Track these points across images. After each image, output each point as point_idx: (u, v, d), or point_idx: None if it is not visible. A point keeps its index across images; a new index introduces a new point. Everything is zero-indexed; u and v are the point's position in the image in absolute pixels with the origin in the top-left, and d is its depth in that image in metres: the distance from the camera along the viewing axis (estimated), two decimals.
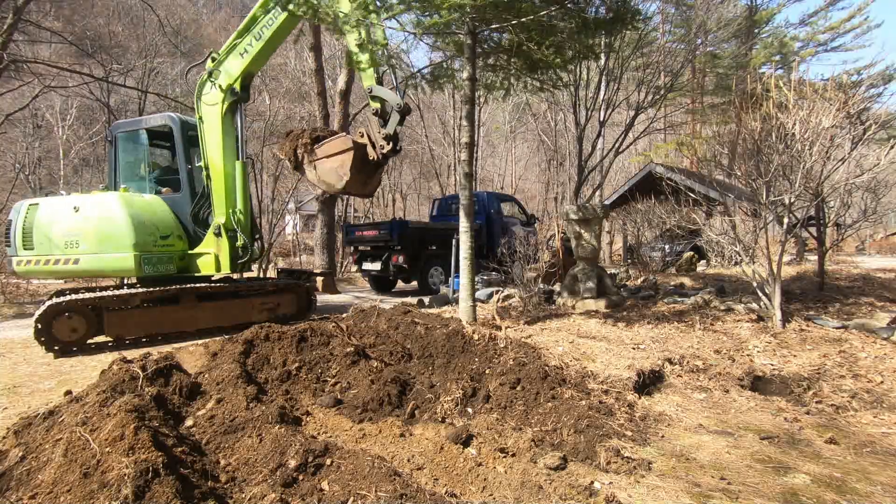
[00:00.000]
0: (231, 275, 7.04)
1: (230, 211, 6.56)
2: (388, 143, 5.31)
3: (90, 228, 6.02)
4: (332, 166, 5.41)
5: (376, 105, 5.42)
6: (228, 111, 6.59)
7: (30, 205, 6.32)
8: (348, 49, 5.76)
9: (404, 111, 5.33)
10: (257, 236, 7.37)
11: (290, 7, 5.65)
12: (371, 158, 5.40)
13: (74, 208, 6.11)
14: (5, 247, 6.49)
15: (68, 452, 2.25)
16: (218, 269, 6.60)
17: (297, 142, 5.59)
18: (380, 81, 5.49)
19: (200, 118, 6.60)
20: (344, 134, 5.86)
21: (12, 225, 6.23)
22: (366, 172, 5.55)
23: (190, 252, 6.68)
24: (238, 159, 6.73)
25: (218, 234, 6.52)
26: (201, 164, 6.62)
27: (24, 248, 6.16)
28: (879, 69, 22.29)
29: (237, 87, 6.51)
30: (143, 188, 6.96)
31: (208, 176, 6.57)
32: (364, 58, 5.44)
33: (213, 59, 6.54)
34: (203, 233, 6.73)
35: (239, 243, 6.54)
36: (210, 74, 6.50)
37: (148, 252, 6.13)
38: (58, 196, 6.77)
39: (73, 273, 6.48)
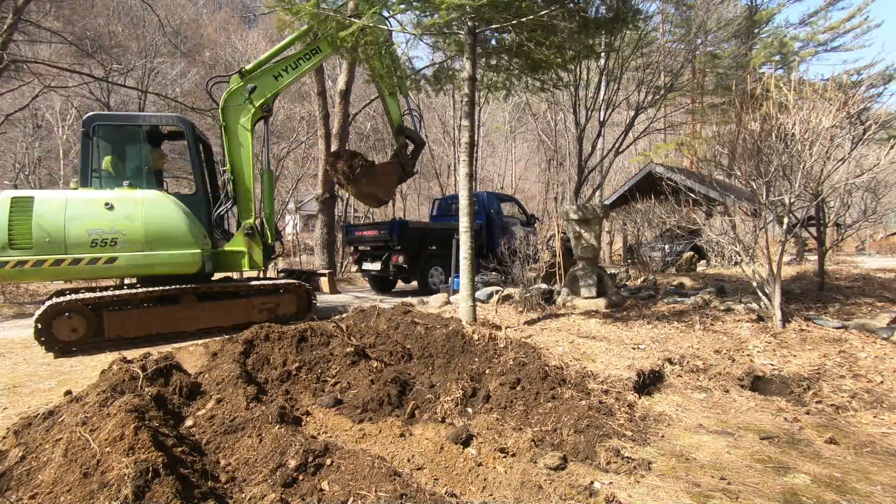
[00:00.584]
0: (230, 274, 7.12)
1: (264, 214, 7.19)
2: (414, 170, 8.34)
3: (136, 226, 5.95)
4: (386, 182, 7.88)
5: (402, 139, 8.13)
6: (254, 123, 7.12)
7: (14, 198, 5.63)
8: (381, 96, 7.96)
9: (422, 146, 8.41)
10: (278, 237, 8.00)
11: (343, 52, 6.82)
12: (399, 178, 8.20)
13: (107, 205, 5.89)
14: None
15: (68, 452, 2.25)
16: (251, 267, 7.04)
17: (352, 161, 7.54)
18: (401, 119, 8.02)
19: (226, 127, 6.86)
20: (393, 161, 8.26)
21: None
22: (392, 187, 8.35)
23: (225, 250, 6.94)
24: (267, 169, 7.34)
25: (250, 235, 6.92)
26: (226, 168, 6.96)
27: (13, 248, 5.51)
28: (879, 69, 22.29)
29: (268, 104, 7.13)
30: (141, 186, 6.89)
31: (233, 181, 6.92)
32: (393, 106, 7.93)
33: (241, 74, 6.90)
34: (216, 233, 6.99)
35: (270, 242, 7.16)
36: (251, 92, 6.87)
37: (203, 250, 6.37)
38: (43, 190, 6.48)
39: (104, 273, 6.14)
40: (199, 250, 6.25)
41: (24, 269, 5.54)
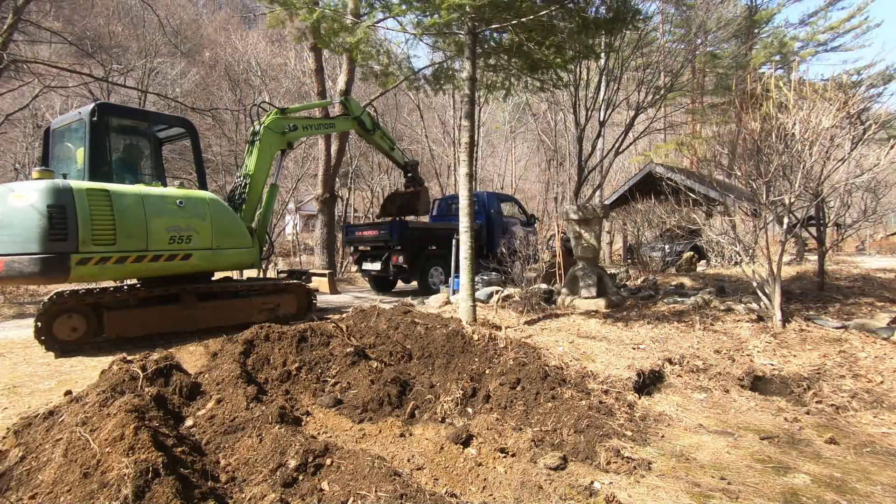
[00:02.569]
0: (230, 274, 7.16)
1: (260, 220, 7.59)
2: (421, 185, 11.03)
3: (206, 224, 6.25)
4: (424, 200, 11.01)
5: (408, 175, 10.80)
6: (278, 150, 7.97)
7: (90, 189, 5.21)
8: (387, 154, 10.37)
9: (415, 166, 10.94)
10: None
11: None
12: (418, 191, 10.94)
13: (178, 203, 6.00)
14: (52, 241, 4.91)
15: (68, 452, 2.25)
16: (250, 266, 7.43)
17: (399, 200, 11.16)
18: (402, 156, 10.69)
19: (258, 143, 7.44)
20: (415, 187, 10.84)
21: (67, 212, 4.96)
22: (417, 197, 10.97)
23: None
24: (274, 182, 8.07)
25: (252, 236, 7.20)
26: (246, 171, 7.48)
27: (96, 244, 5.15)
28: (879, 69, 22.31)
29: (293, 141, 8.15)
30: (131, 182, 6.81)
31: (249, 186, 7.36)
32: (398, 156, 10.46)
33: (282, 111, 7.88)
34: None
35: (265, 246, 7.75)
36: (290, 129, 7.83)
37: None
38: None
39: (178, 270, 6.11)
40: (256, 247, 6.87)
41: (105, 265, 5.32)
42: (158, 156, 7.11)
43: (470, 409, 3.54)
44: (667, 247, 12.23)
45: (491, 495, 2.48)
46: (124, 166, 6.52)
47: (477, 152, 22.19)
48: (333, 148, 13.16)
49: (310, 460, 2.44)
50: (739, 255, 5.98)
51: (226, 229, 6.48)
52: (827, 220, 7.24)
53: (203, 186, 6.94)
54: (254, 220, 7.44)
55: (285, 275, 8.43)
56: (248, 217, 7.31)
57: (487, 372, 4.02)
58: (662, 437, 3.19)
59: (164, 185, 6.82)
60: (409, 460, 2.80)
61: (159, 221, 5.74)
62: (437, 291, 9.89)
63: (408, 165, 10.73)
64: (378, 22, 5.96)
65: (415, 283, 11.14)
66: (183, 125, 6.97)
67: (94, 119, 5.80)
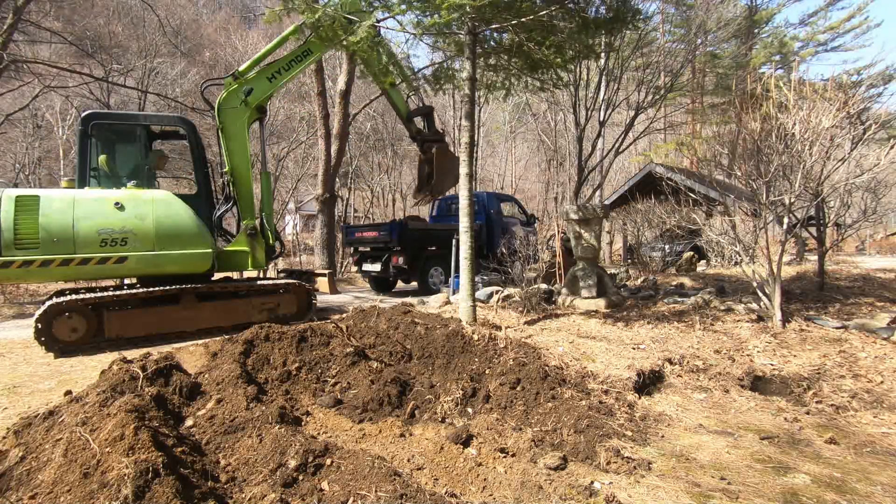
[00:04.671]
0: (230, 274, 7.15)
1: (264, 214, 7.24)
2: (442, 131, 8.14)
3: (147, 225, 5.96)
4: (447, 163, 8.15)
5: (414, 127, 8.32)
6: (250, 124, 7.15)
7: (19, 196, 5.49)
8: (383, 90, 8.04)
9: (430, 111, 8.54)
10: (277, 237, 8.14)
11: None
12: (447, 144, 8.51)
13: (117, 205, 5.86)
14: None
15: (68, 452, 2.25)
16: (254, 266, 7.14)
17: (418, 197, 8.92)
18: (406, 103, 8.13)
19: (223, 129, 6.86)
20: (428, 151, 8.30)
21: None
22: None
23: (228, 250, 7.05)
24: (265, 170, 7.43)
25: (252, 235, 7.01)
26: (226, 170, 6.97)
27: (18, 248, 5.37)
28: (879, 69, 22.29)
29: (263, 104, 7.17)
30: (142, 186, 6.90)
31: (233, 182, 6.95)
32: (396, 96, 7.96)
33: (235, 76, 6.90)
34: (217, 234, 7.07)
35: (271, 242, 7.24)
36: (247, 95, 6.92)
37: (212, 249, 6.50)
38: (34, 189, 6.53)
39: (112, 273, 6.15)
40: (210, 249, 6.38)
41: (29, 269, 5.45)
42: (155, 157, 7.09)
43: (470, 409, 3.54)
44: (667, 247, 12.23)
45: (491, 495, 2.48)
46: (114, 171, 6.62)
47: (477, 152, 22.19)
48: (333, 148, 13.16)
49: (310, 460, 2.44)
50: (739, 255, 5.98)
51: (171, 231, 6.04)
52: (827, 220, 7.24)
53: (204, 186, 6.90)
54: (255, 216, 7.11)
55: (284, 275, 8.43)
56: (248, 214, 7.02)
57: (487, 372, 4.02)
58: (662, 437, 3.19)
59: (155, 186, 6.90)
60: (409, 460, 2.80)
61: (90, 225, 5.68)
62: (437, 291, 9.89)
63: (410, 117, 8.25)
64: (378, 22, 5.94)
65: (415, 284, 11.14)
66: (180, 124, 6.95)
67: (81, 128, 6.24)
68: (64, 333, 5.66)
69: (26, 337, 6.15)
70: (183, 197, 6.70)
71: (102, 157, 6.49)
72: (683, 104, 22.97)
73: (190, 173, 7.18)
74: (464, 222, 5.72)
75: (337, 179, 16.07)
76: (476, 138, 9.01)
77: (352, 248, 12.43)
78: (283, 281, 7.37)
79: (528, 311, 6.69)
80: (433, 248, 10.85)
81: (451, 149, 8.78)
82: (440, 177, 8.18)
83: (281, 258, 9.12)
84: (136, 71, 19.74)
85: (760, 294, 5.55)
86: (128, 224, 5.87)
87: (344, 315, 5.89)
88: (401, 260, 10.22)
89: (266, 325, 4.34)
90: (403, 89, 7.78)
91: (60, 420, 2.80)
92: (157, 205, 6.11)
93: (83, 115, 6.36)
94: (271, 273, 10.49)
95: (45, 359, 5.47)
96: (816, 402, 3.77)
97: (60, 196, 5.74)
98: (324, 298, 9.77)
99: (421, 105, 8.44)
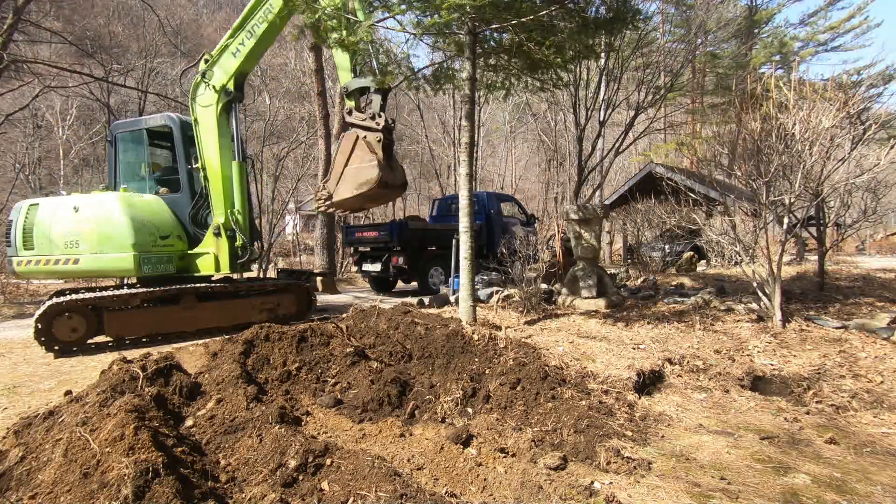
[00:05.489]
0: (231, 275, 7.06)
1: (228, 211, 6.62)
2: (381, 117, 5.48)
3: (90, 229, 6.03)
4: (358, 165, 5.50)
5: (351, 103, 5.76)
6: (223, 111, 6.62)
7: (30, 205, 6.29)
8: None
9: (383, 91, 5.57)
10: (257, 237, 7.64)
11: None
12: (378, 139, 5.48)
13: (74, 209, 6.11)
14: (6, 247, 6.42)
15: (68, 452, 2.25)
16: (217, 269, 6.65)
17: (319, 190, 5.97)
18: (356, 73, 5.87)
19: (196, 120, 6.62)
20: (344, 135, 5.97)
21: (13, 225, 6.19)
22: (386, 157, 5.56)
23: (189, 252, 6.70)
24: (235, 160, 6.76)
25: (217, 234, 6.58)
26: (198, 164, 6.65)
27: (25, 249, 6.11)
28: (879, 69, 22.32)
29: (231, 86, 6.52)
30: (143, 188, 6.95)
31: (205, 177, 6.63)
32: (341, 57, 5.85)
33: (207, 61, 6.57)
34: (202, 233, 6.78)
35: (238, 243, 6.62)
36: (203, 76, 6.53)
37: (147, 252, 6.17)
38: (58, 196, 6.81)
39: (73, 273, 6.48)
40: (131, 253, 5.96)
41: (30, 266, 6.15)
42: (148, 159, 7.14)
43: (470, 409, 3.54)
44: (667, 247, 12.23)
45: (491, 495, 2.48)
46: (128, 175, 7.08)
47: (477, 152, 22.19)
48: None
49: (310, 460, 2.44)
50: (739, 255, 5.98)
51: (107, 233, 6.04)
52: (827, 220, 7.24)
53: (188, 185, 6.80)
54: (222, 213, 6.54)
55: (284, 275, 8.41)
56: (218, 211, 6.53)
57: (487, 372, 4.02)
58: (662, 437, 3.19)
59: (155, 189, 7.00)
60: (409, 460, 2.80)
61: (59, 228, 6.12)
62: (437, 292, 9.89)
63: (354, 87, 5.77)
64: (378, 22, 5.93)
65: (415, 284, 11.14)
66: (167, 121, 6.92)
67: (108, 138, 7.06)
68: (64, 333, 5.66)
69: (26, 337, 6.15)
70: (169, 196, 6.78)
71: (131, 162, 7.01)
72: (683, 104, 22.97)
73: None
74: (464, 222, 5.72)
75: None
76: (476, 138, 8.97)
77: (352, 248, 12.43)
78: (282, 281, 7.36)
79: (528, 311, 6.68)
80: (433, 248, 10.85)
81: (395, 151, 5.92)
82: (341, 180, 5.63)
83: (258, 261, 7.70)
84: (136, 71, 19.73)
85: (760, 294, 5.55)
86: (78, 227, 6.09)
87: (344, 315, 5.89)
88: (401, 260, 10.23)
89: (266, 325, 4.34)
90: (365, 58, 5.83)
91: (60, 420, 2.80)
92: (101, 207, 6.16)
93: (108, 126, 6.94)
94: (271, 273, 10.47)
95: (45, 359, 5.47)
96: (816, 402, 3.77)
97: (48, 203, 6.40)
98: (324, 298, 9.77)
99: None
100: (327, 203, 5.77)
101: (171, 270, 6.46)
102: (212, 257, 6.61)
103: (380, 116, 5.47)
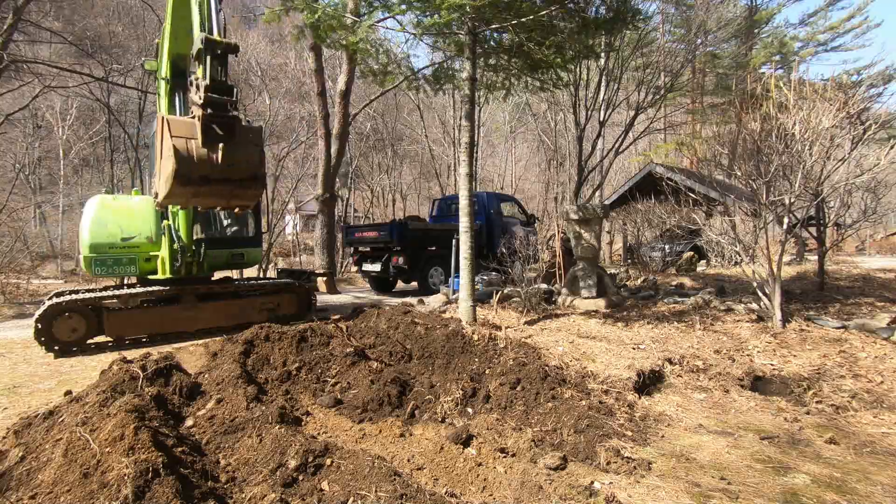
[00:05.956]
0: (231, 275, 7.08)
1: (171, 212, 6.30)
2: (201, 89, 3.94)
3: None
4: (166, 155, 4.09)
5: (199, 74, 4.14)
6: (170, 104, 6.29)
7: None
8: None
9: (223, 49, 4.01)
10: (257, 237, 7.51)
11: None
12: (194, 116, 4.10)
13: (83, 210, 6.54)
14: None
15: (68, 452, 2.25)
16: (164, 272, 6.38)
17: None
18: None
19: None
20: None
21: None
22: (208, 140, 4.05)
23: (154, 254, 6.50)
24: None
25: (163, 234, 6.32)
26: None
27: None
28: (879, 69, 22.28)
29: (168, 74, 6.20)
30: None
31: None
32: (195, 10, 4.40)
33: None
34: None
35: (174, 245, 6.23)
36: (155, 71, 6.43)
37: (102, 253, 6.24)
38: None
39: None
40: (84, 254, 6.20)
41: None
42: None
43: (470, 409, 3.54)
44: (667, 247, 12.23)
45: (491, 495, 2.48)
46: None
47: (477, 152, 22.20)
48: (333, 148, 13.16)
49: (310, 460, 2.44)
50: (739, 255, 5.98)
51: (80, 234, 6.46)
52: (827, 220, 7.24)
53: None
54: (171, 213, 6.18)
55: (284, 275, 8.40)
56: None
57: (487, 372, 4.02)
58: (662, 437, 3.19)
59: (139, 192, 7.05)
60: (409, 460, 2.80)
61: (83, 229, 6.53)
62: (437, 291, 9.89)
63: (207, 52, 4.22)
64: (378, 21, 5.94)
65: (415, 284, 11.15)
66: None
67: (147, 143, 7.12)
68: (64, 333, 5.66)
69: (26, 337, 6.15)
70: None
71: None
72: (683, 104, 22.95)
73: None
74: (464, 222, 5.73)
75: (337, 179, 16.08)
76: (476, 138, 8.98)
77: (352, 248, 12.43)
78: (282, 281, 7.36)
79: (528, 311, 6.68)
80: (433, 248, 10.85)
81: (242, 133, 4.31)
82: (160, 174, 4.46)
83: (187, 266, 6.53)
84: (136, 71, 19.71)
85: (760, 294, 5.55)
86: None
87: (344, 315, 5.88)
88: (401, 260, 10.23)
89: (266, 325, 4.34)
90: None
91: (60, 420, 2.80)
92: (86, 209, 6.45)
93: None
94: (271, 273, 10.46)
95: (45, 359, 5.47)
96: (816, 403, 3.77)
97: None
98: (324, 298, 9.77)
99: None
100: (157, 202, 4.80)
101: (132, 272, 6.40)
102: (160, 259, 6.46)
103: (206, 89, 3.93)
